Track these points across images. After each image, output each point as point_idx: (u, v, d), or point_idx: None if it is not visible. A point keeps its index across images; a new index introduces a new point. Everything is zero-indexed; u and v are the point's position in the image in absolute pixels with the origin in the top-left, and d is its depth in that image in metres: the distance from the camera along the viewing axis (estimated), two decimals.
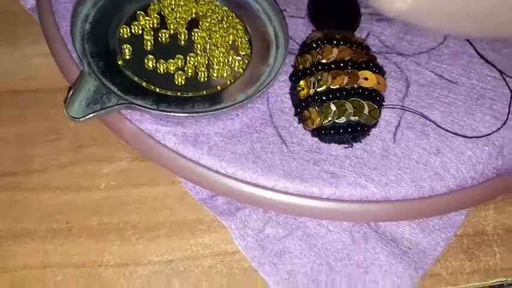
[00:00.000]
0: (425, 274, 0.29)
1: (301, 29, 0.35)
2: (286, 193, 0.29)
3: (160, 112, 0.29)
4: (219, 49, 0.33)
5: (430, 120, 0.31)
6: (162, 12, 0.34)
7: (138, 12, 0.33)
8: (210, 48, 0.33)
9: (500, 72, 0.33)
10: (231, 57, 0.33)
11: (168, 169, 0.30)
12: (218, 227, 0.29)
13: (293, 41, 0.34)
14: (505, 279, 0.29)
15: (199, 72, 0.32)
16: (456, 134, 0.31)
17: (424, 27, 0.35)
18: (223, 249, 0.29)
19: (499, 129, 0.31)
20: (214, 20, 0.34)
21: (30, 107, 0.32)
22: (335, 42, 0.32)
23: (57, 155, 0.31)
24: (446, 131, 0.31)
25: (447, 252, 0.30)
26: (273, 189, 0.29)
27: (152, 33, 0.33)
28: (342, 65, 0.31)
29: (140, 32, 0.33)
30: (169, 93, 0.31)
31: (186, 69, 0.32)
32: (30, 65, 0.34)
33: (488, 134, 0.31)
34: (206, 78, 0.32)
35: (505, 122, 0.31)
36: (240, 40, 0.33)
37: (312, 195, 0.29)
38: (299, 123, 0.31)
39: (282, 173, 0.29)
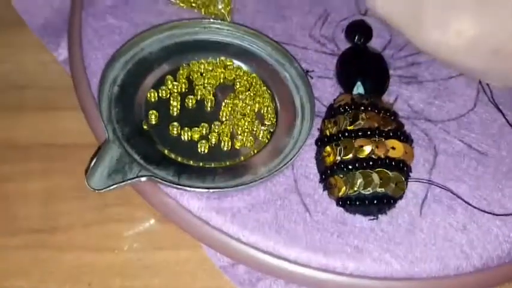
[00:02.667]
0: None
1: (328, 90, 0.35)
2: (309, 266, 0.29)
3: (181, 187, 0.29)
4: (245, 117, 0.32)
5: (458, 196, 0.31)
6: (191, 77, 0.34)
7: (167, 77, 0.33)
8: (235, 117, 0.32)
9: None
10: (255, 126, 0.32)
11: (190, 234, 0.30)
12: None
13: (320, 103, 0.34)
14: None
15: (223, 142, 0.31)
16: (484, 211, 0.30)
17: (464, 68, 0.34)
18: None
19: None
20: (242, 87, 0.34)
21: (58, 162, 0.33)
22: (362, 108, 0.32)
23: (82, 213, 0.31)
24: (474, 207, 0.31)
25: None
26: (295, 262, 0.29)
27: (179, 98, 0.33)
28: (369, 133, 0.31)
29: (168, 96, 0.33)
30: (191, 163, 0.30)
31: (209, 137, 0.32)
32: (60, 119, 0.34)
33: None
34: (229, 148, 0.31)
35: None
36: (266, 109, 0.33)
37: (335, 270, 0.29)
38: (324, 190, 0.31)
39: (305, 245, 0.29)
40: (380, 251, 0.29)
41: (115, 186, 0.29)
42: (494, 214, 0.30)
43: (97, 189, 0.28)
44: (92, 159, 0.30)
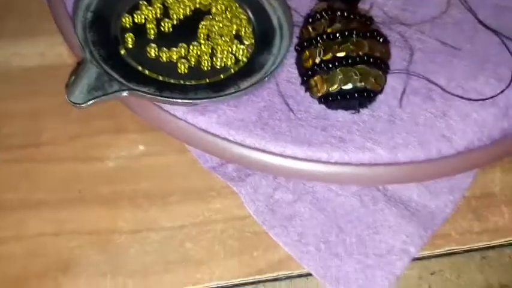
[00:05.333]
0: (435, 234, 0.29)
1: (305, 2, 0.35)
2: (295, 158, 0.29)
3: (163, 98, 0.29)
4: (223, 38, 0.33)
5: (435, 84, 0.32)
6: (165, 3, 0.34)
7: (141, 2, 0.33)
8: (213, 37, 0.33)
9: (502, 38, 0.34)
10: (235, 46, 0.33)
11: (177, 138, 0.30)
12: (229, 193, 0.30)
13: (298, 14, 0.35)
14: None
15: (203, 61, 0.32)
16: (461, 97, 0.31)
17: None
18: (235, 214, 0.29)
19: (503, 90, 0.31)
20: (218, 10, 0.34)
21: (41, 83, 0.33)
22: (339, 13, 0.33)
23: (67, 127, 0.31)
24: (452, 94, 0.31)
25: (456, 213, 0.30)
26: (281, 155, 0.29)
27: (155, 22, 0.33)
28: (347, 33, 0.32)
29: (143, 21, 0.33)
30: (172, 81, 0.31)
31: (189, 57, 0.32)
32: (39, 42, 0.34)
33: (493, 96, 0.31)
34: (210, 67, 0.32)
35: (509, 83, 0.32)
36: (243, 30, 0.33)
37: (321, 160, 0.29)
38: (306, 91, 0.32)
39: (290, 139, 0.30)
40: (363, 140, 0.30)
41: (96, 100, 0.29)
42: (471, 99, 0.31)
43: (77, 104, 0.28)
44: (71, 75, 0.30)
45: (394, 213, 0.29)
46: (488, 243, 0.29)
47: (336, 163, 0.29)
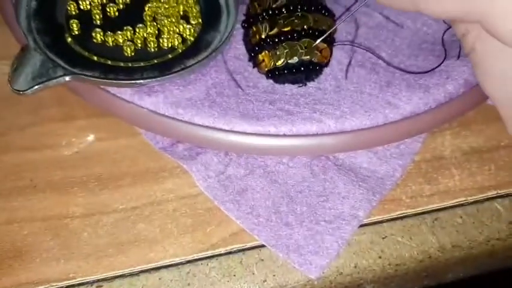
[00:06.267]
0: (385, 199, 0.29)
1: None
2: (244, 133, 0.30)
3: (106, 81, 0.29)
4: (169, 18, 0.33)
5: (379, 57, 0.32)
6: None
7: None
8: (159, 19, 0.33)
9: None
10: (181, 26, 0.33)
11: (126, 121, 0.30)
12: (180, 172, 0.30)
13: None
14: (464, 198, 0.30)
15: (149, 42, 0.32)
16: (404, 70, 0.32)
17: None
18: (187, 192, 0.29)
19: (440, 64, 0.32)
20: None
21: None
22: None
23: (17, 118, 0.31)
24: (395, 67, 0.32)
25: (406, 177, 0.30)
26: (230, 131, 0.30)
27: (100, 7, 0.33)
28: (291, 8, 0.32)
29: (88, 7, 0.33)
30: (120, 64, 0.31)
31: (135, 40, 0.32)
32: None
33: (434, 68, 0.32)
34: (156, 48, 0.32)
35: (445, 56, 0.32)
36: (190, 9, 0.33)
37: (269, 133, 0.30)
38: (254, 67, 0.32)
39: (239, 114, 0.30)
40: (310, 112, 0.30)
41: (39, 86, 0.28)
42: (413, 72, 0.32)
43: (21, 91, 0.28)
44: (13, 64, 0.30)
45: (343, 180, 0.29)
46: (439, 205, 0.30)
47: (284, 135, 0.30)
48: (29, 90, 0.28)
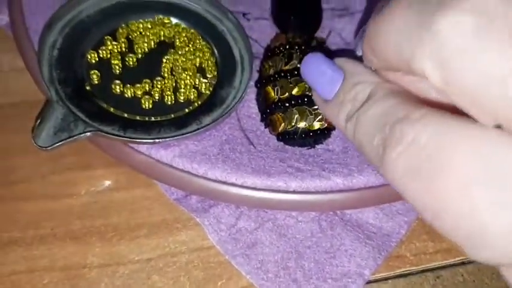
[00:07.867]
0: (390, 256, 0.30)
1: (266, 31, 0.37)
2: (255, 188, 0.31)
3: (126, 139, 0.30)
4: (186, 72, 0.34)
5: None
6: (130, 37, 0.35)
7: (106, 37, 0.34)
8: (177, 71, 0.34)
9: None
10: (197, 79, 0.34)
11: (142, 173, 0.32)
12: (194, 224, 0.31)
13: (259, 45, 0.36)
14: (466, 257, 0.31)
15: (166, 96, 0.33)
16: None
17: None
18: (200, 244, 0.31)
19: None
20: (182, 42, 0.35)
21: (10, 121, 0.34)
22: (297, 47, 0.34)
23: (38, 166, 0.32)
24: None
25: (411, 234, 0.31)
26: (242, 186, 0.31)
27: (120, 57, 0.34)
28: None
29: (108, 56, 0.34)
30: (137, 118, 0.32)
31: (152, 93, 0.33)
32: (9, 79, 0.35)
33: None
34: (173, 102, 0.33)
35: None
36: (206, 63, 0.34)
37: (279, 189, 0.31)
38: (265, 127, 0.33)
39: (251, 170, 0.31)
40: (319, 170, 0.31)
41: (61, 143, 0.30)
42: None
43: (44, 147, 0.30)
44: (36, 118, 0.31)
45: (350, 237, 0.30)
46: (442, 262, 0.31)
47: (294, 191, 0.31)
48: (50, 147, 0.30)
